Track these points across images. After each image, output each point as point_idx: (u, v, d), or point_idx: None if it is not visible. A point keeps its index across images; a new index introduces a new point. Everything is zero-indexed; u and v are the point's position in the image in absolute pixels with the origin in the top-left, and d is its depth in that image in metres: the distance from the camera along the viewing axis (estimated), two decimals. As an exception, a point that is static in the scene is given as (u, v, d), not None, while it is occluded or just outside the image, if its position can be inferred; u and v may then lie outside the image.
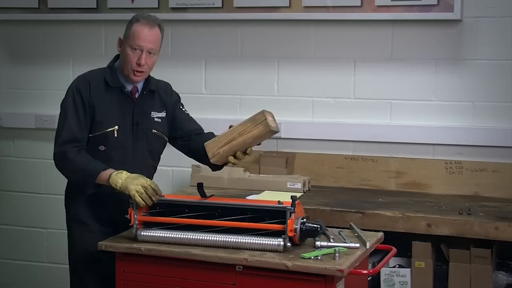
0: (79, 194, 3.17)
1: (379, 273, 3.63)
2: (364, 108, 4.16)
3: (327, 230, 3.04)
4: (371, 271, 3.02)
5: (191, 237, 2.92)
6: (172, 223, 2.99)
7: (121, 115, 3.18)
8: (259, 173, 4.13)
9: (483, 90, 3.98)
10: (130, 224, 2.98)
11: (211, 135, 3.25)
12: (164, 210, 3.05)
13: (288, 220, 2.82)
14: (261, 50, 4.33)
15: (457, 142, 4.01)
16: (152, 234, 2.96)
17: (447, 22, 3.96)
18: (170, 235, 2.94)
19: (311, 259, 2.74)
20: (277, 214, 2.89)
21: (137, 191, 2.95)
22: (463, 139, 4.00)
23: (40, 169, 4.79)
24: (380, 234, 3.15)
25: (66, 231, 3.29)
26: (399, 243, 3.29)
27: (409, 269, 3.67)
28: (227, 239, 2.88)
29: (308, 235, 2.88)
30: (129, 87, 3.21)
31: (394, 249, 3.10)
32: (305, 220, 2.88)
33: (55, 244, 4.77)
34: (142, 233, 2.97)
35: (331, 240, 2.91)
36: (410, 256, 3.66)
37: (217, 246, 2.89)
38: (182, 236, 2.93)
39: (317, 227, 2.88)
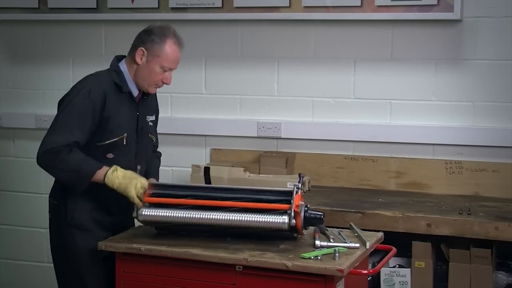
0: (81, 199, 3.12)
1: (379, 273, 3.63)
2: (364, 108, 4.16)
3: (327, 230, 3.05)
4: (371, 271, 3.02)
5: (193, 215, 2.94)
6: (176, 204, 3.00)
7: (128, 121, 3.16)
8: (259, 173, 4.13)
9: (483, 90, 3.98)
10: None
11: (156, 161, 3.41)
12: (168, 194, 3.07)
13: (295, 196, 2.84)
14: (261, 50, 4.33)
15: (457, 142, 4.00)
16: (153, 213, 2.98)
17: (447, 22, 3.96)
18: (171, 214, 2.95)
19: (311, 259, 2.74)
20: (284, 195, 2.92)
21: (137, 193, 2.98)
22: (463, 139, 3.99)
23: (40, 169, 4.76)
24: (380, 234, 3.15)
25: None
26: (399, 243, 3.30)
27: (409, 269, 3.67)
28: (231, 217, 2.89)
29: (311, 222, 2.91)
30: (135, 93, 3.18)
31: (394, 249, 3.10)
32: (308, 207, 2.90)
33: (55, 244, 4.76)
34: (144, 213, 2.99)
35: (331, 240, 2.92)
36: (410, 256, 3.66)
37: (221, 225, 2.90)
38: (183, 215, 2.95)
39: (321, 215, 2.92)
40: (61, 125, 3.04)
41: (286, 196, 2.93)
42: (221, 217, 2.91)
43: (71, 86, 3.18)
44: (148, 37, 3.09)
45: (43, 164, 3.07)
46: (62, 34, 4.69)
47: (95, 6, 4.49)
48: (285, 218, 2.85)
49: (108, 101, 3.06)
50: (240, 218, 2.88)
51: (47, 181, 4.69)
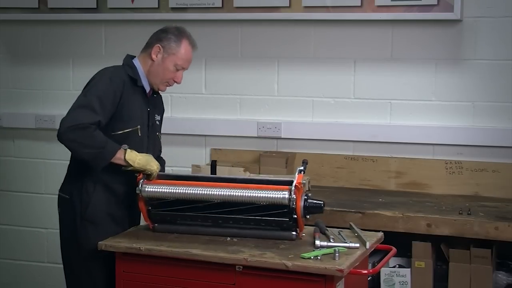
0: (94, 192, 3.15)
1: (379, 273, 3.63)
2: (364, 108, 4.16)
3: (327, 230, 3.05)
4: (371, 271, 3.02)
5: (196, 191, 2.98)
6: (180, 185, 3.05)
7: (141, 115, 3.22)
8: (259, 173, 4.13)
9: (483, 90, 3.98)
10: (138, 179, 3.06)
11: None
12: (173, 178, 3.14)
13: (297, 175, 2.89)
14: (261, 50, 4.33)
15: (457, 142, 4.01)
16: (156, 189, 3.03)
17: (447, 22, 3.96)
18: (174, 190, 3.01)
19: (311, 259, 2.74)
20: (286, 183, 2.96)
21: (156, 168, 3.09)
22: (463, 139, 4.00)
23: (40, 169, 4.79)
24: (380, 234, 3.15)
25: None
26: (399, 243, 3.30)
27: (409, 269, 3.67)
28: (232, 193, 2.94)
29: (311, 211, 2.93)
30: (147, 89, 3.26)
31: (394, 249, 3.10)
32: (309, 196, 2.94)
33: (55, 244, 4.72)
34: (147, 189, 3.03)
35: (331, 240, 2.92)
36: (410, 256, 3.66)
37: (224, 201, 2.95)
38: (186, 191, 2.99)
39: (321, 203, 2.94)
40: (85, 104, 3.05)
41: (288, 183, 2.97)
42: (222, 193, 2.95)
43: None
44: (166, 35, 3.21)
45: (69, 139, 2.99)
46: (62, 34, 4.69)
47: (95, 6, 4.49)
48: (285, 193, 2.88)
49: (125, 90, 3.14)
50: (242, 194, 2.93)
51: (48, 180, 4.75)
